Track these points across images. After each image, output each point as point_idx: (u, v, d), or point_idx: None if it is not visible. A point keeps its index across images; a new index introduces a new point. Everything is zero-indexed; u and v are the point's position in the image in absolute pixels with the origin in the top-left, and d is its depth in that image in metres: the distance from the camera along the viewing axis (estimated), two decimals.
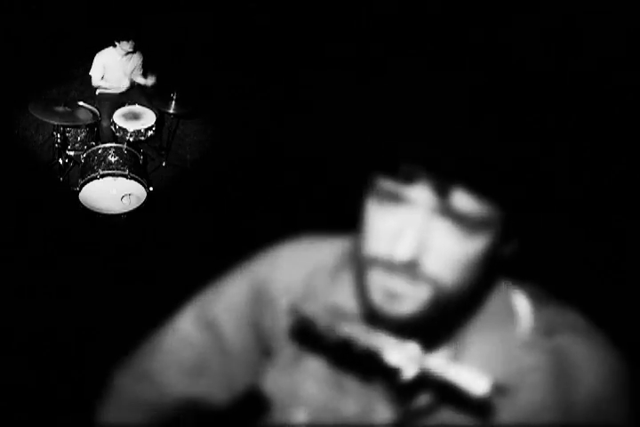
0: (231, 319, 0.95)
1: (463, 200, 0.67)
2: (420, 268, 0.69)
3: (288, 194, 3.13)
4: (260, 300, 0.93)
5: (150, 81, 3.78)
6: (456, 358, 0.81)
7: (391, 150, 0.67)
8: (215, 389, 0.97)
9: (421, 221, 0.69)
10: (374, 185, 0.72)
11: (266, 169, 3.55)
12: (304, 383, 0.90)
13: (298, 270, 0.93)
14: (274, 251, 0.98)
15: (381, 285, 0.71)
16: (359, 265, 0.75)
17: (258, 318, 0.94)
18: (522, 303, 0.87)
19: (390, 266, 0.70)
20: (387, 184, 0.70)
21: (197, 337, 0.97)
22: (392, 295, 0.71)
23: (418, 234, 0.68)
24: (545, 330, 0.84)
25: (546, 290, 0.93)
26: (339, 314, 0.78)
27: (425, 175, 0.66)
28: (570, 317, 0.88)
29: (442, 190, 0.67)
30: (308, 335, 0.81)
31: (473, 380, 0.71)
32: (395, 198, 0.70)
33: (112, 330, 2.45)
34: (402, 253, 0.68)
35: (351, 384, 0.87)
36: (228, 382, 0.97)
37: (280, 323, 0.91)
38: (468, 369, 0.72)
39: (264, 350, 0.96)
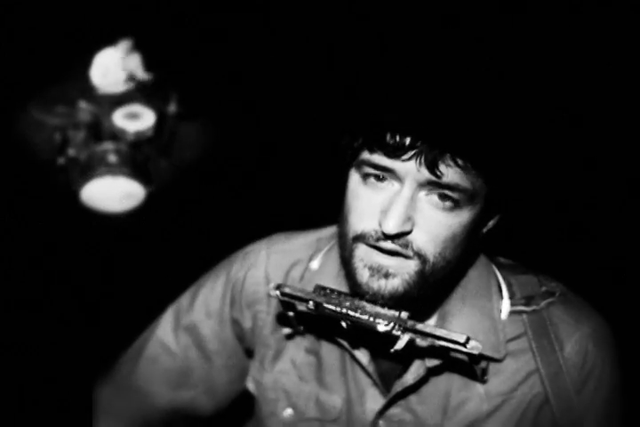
0: (211, 324, 0.96)
1: (450, 173, 0.69)
2: (407, 241, 0.71)
3: (281, 193, 3.14)
4: (238, 301, 0.95)
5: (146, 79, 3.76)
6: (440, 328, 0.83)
7: (379, 121, 0.68)
8: (199, 398, 0.97)
9: (408, 195, 0.70)
10: (359, 161, 0.73)
11: (265, 169, 3.55)
12: (286, 379, 0.92)
13: (277, 267, 0.95)
14: (249, 251, 1.00)
15: (369, 261, 0.73)
16: (345, 245, 0.77)
17: (237, 319, 0.95)
18: (500, 275, 0.90)
19: (378, 239, 0.72)
20: (373, 158, 0.71)
21: (178, 344, 0.97)
22: (379, 271, 0.73)
23: (405, 208, 0.70)
24: (524, 299, 0.87)
25: (522, 261, 0.95)
26: (324, 292, 0.80)
27: (413, 147, 0.67)
28: (547, 284, 0.91)
29: (430, 163, 0.68)
30: (295, 312, 0.82)
31: (463, 339, 0.74)
32: (381, 173, 0.72)
33: (108, 329, 2.46)
34: (391, 225, 0.70)
35: (331, 377, 0.89)
36: (211, 391, 0.98)
37: (260, 323, 0.92)
38: (455, 332, 0.75)
39: (245, 352, 0.97)
